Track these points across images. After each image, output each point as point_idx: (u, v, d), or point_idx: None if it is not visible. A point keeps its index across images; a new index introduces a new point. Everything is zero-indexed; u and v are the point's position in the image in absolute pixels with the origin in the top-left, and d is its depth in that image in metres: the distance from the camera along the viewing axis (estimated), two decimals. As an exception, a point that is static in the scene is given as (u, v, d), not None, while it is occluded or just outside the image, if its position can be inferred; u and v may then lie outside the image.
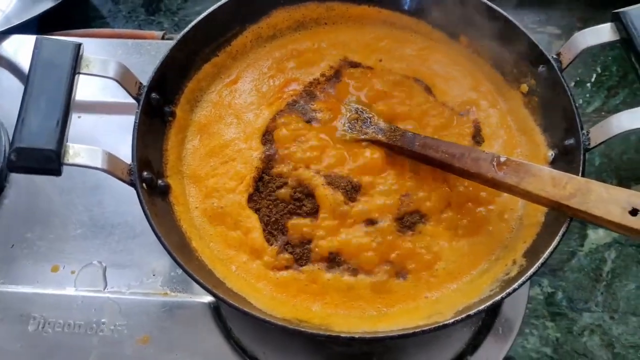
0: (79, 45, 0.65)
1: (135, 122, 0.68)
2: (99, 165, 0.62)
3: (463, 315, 0.58)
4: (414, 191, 0.71)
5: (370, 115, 0.76)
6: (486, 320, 0.75)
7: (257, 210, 0.72)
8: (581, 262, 0.92)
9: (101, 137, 0.91)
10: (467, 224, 0.70)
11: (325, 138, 0.75)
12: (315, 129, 0.76)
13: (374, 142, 0.74)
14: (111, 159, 0.63)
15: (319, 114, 0.77)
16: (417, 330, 0.58)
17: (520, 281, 0.59)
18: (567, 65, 0.71)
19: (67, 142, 0.61)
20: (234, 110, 0.79)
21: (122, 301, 0.77)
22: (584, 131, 0.67)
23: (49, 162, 0.59)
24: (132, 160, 0.66)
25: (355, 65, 0.82)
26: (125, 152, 0.67)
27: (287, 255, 0.69)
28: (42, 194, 0.86)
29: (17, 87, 0.94)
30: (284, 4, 0.83)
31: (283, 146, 0.75)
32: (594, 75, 1.08)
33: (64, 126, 0.61)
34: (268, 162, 0.74)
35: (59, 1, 1.06)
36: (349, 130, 0.76)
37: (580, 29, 0.71)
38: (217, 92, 0.81)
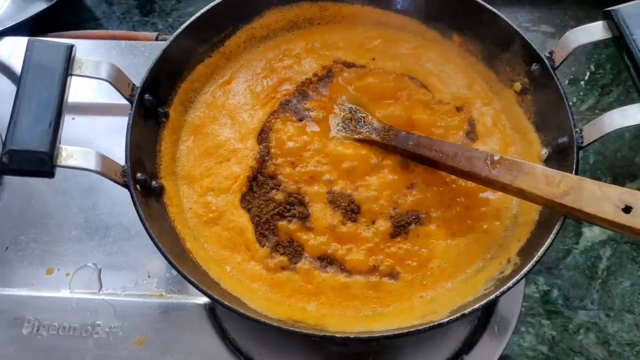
0: (71, 47, 0.65)
1: (128, 124, 0.68)
2: (92, 167, 0.62)
3: (458, 314, 0.58)
4: (408, 191, 0.71)
5: (364, 115, 0.77)
6: (482, 319, 0.75)
7: (248, 210, 0.72)
8: (576, 260, 0.93)
9: (95, 138, 0.90)
10: (462, 223, 0.70)
11: (319, 139, 0.75)
12: (309, 132, 0.76)
13: (368, 142, 0.74)
14: (104, 160, 0.63)
15: (312, 113, 0.77)
16: (412, 329, 0.58)
17: (514, 279, 0.59)
18: (560, 64, 0.71)
19: (60, 144, 0.61)
20: (227, 110, 0.79)
21: (117, 303, 0.77)
22: (577, 129, 0.67)
23: (41, 164, 0.59)
24: (126, 162, 0.66)
25: (348, 64, 0.82)
26: (119, 154, 0.67)
27: (279, 258, 0.68)
28: (36, 196, 0.86)
29: (9, 89, 0.94)
30: (277, 4, 0.83)
31: (277, 147, 0.75)
32: (588, 74, 1.08)
33: (57, 128, 0.61)
34: (262, 162, 0.74)
35: (52, 2, 1.05)
36: (343, 130, 0.76)
37: (573, 27, 0.71)
38: (211, 92, 0.81)
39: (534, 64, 0.73)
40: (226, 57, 0.83)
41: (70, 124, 0.90)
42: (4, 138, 0.82)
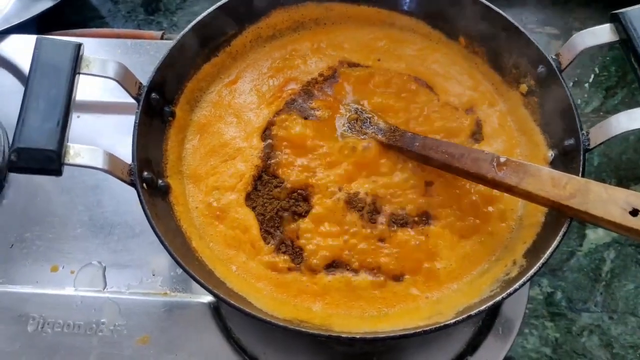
0: (79, 45, 0.65)
1: (135, 122, 0.68)
2: (100, 166, 0.62)
3: (464, 316, 0.58)
4: (416, 191, 0.71)
5: (370, 116, 0.77)
6: (486, 321, 0.75)
7: (253, 208, 0.72)
8: (580, 262, 0.93)
9: (100, 137, 0.90)
10: (468, 224, 0.70)
11: (325, 138, 0.75)
12: (315, 131, 0.76)
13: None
14: (112, 159, 0.63)
15: (318, 112, 0.77)
16: (418, 330, 0.58)
17: (521, 281, 0.59)
18: (567, 66, 0.71)
19: (67, 142, 0.61)
20: (233, 109, 0.79)
21: (121, 301, 0.77)
22: (584, 131, 0.67)
23: (49, 162, 0.59)
24: (133, 161, 0.66)
25: (354, 65, 0.82)
26: (124, 152, 0.67)
27: (284, 257, 0.68)
28: (41, 193, 0.86)
29: (16, 87, 0.94)
30: (283, 4, 0.83)
31: (283, 146, 0.75)
32: (592, 76, 1.08)
33: (65, 126, 0.61)
34: (267, 160, 0.74)
35: (57, 1, 1.05)
36: (348, 131, 0.76)
37: (578, 29, 0.71)
38: (217, 92, 0.81)
39: (541, 66, 0.73)
40: (232, 57, 0.83)
41: (76, 122, 0.90)
42: (9, 135, 0.82)
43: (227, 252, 0.70)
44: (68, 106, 0.62)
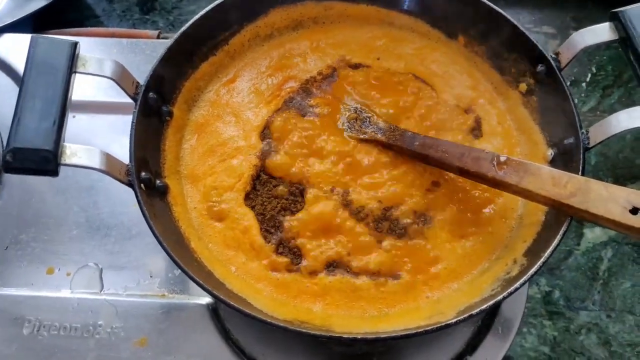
0: (75, 44, 0.64)
1: (132, 122, 0.68)
2: (97, 166, 0.61)
3: (465, 315, 0.58)
4: (416, 193, 0.71)
5: (370, 115, 0.76)
6: (486, 320, 0.75)
7: (252, 208, 0.71)
8: (578, 261, 0.93)
9: (96, 137, 0.90)
10: (468, 223, 0.70)
11: (325, 136, 0.75)
12: (314, 129, 0.76)
13: (373, 142, 0.74)
14: (109, 159, 0.62)
15: (317, 109, 0.77)
16: (419, 330, 0.57)
17: (521, 280, 0.59)
18: (566, 65, 0.71)
19: (64, 142, 0.60)
20: (232, 109, 0.79)
21: (118, 303, 0.76)
22: (584, 130, 0.67)
23: (46, 162, 0.58)
24: (130, 161, 0.65)
25: (353, 64, 0.82)
26: (120, 152, 0.66)
27: (283, 257, 0.68)
28: (37, 195, 0.85)
29: (10, 86, 0.93)
30: (281, 3, 0.83)
31: (282, 144, 0.74)
32: (589, 75, 1.08)
33: (61, 126, 0.60)
34: (266, 159, 0.74)
35: (52, 0, 1.05)
36: (348, 130, 0.76)
37: (575, 28, 0.71)
38: (215, 91, 0.80)
39: (540, 65, 0.73)
40: (230, 56, 0.82)
41: (72, 122, 0.89)
42: (4, 136, 0.81)
43: (227, 253, 0.69)
44: (64, 106, 0.61)
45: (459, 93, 0.79)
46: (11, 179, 0.86)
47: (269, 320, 0.58)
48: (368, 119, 0.76)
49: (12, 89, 0.92)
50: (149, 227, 0.62)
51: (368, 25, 0.85)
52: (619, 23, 0.66)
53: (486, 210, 0.70)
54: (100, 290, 0.78)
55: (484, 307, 0.58)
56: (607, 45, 0.70)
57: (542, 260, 0.60)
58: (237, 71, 0.82)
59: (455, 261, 0.68)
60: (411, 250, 0.68)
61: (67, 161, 0.60)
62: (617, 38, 0.67)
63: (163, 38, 1.01)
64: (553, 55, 0.72)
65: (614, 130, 0.64)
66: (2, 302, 0.76)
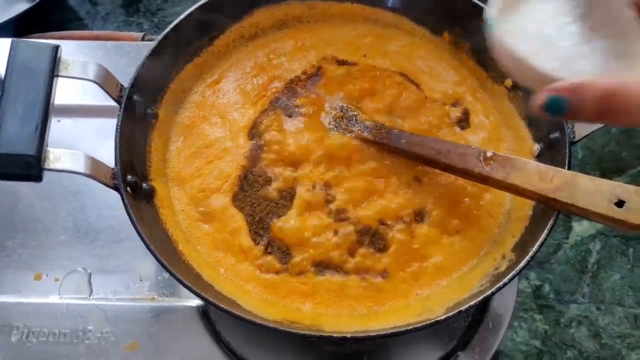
0: (56, 48, 0.63)
1: (117, 125, 0.67)
2: (82, 170, 0.60)
3: (454, 311, 0.58)
4: (403, 191, 0.71)
5: (356, 113, 0.76)
6: (476, 316, 0.75)
7: (241, 209, 0.71)
8: (567, 255, 0.93)
9: (81, 141, 0.89)
10: (456, 220, 0.70)
11: (311, 135, 0.75)
12: (300, 129, 0.75)
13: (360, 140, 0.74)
14: (94, 163, 0.62)
15: (302, 109, 0.77)
16: (409, 327, 0.57)
17: (510, 275, 0.59)
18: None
19: (47, 146, 0.60)
20: (217, 110, 0.78)
21: (108, 308, 0.76)
22: (569, 124, 0.67)
23: (29, 168, 0.58)
24: (115, 164, 0.65)
25: (339, 62, 0.82)
26: (106, 156, 0.65)
27: (272, 258, 0.68)
28: (23, 200, 0.84)
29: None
30: (265, 2, 0.82)
31: (268, 144, 0.74)
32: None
33: (44, 131, 0.59)
34: (253, 160, 0.73)
35: (34, 3, 1.04)
36: (335, 129, 0.75)
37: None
38: (200, 92, 0.80)
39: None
40: (215, 57, 0.82)
41: (56, 127, 0.88)
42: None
43: (215, 255, 0.69)
44: (47, 110, 0.60)
45: (445, 89, 0.79)
46: (-4, 185, 0.85)
47: (258, 322, 0.58)
48: (354, 117, 0.76)
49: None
50: (136, 230, 0.62)
51: (353, 23, 0.84)
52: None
53: (474, 206, 0.70)
54: (89, 295, 0.78)
55: (472, 303, 0.58)
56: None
57: (530, 255, 0.60)
58: (222, 72, 0.81)
59: (444, 258, 0.68)
60: (400, 248, 0.68)
61: (51, 166, 0.59)
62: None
63: (148, 40, 1.00)
64: (539, 50, 0.72)
65: (599, 124, 0.65)
66: (-10, 309, 0.75)
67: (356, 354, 0.73)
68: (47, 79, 0.61)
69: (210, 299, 0.59)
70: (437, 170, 0.71)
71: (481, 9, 0.76)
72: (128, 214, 0.62)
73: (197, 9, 0.77)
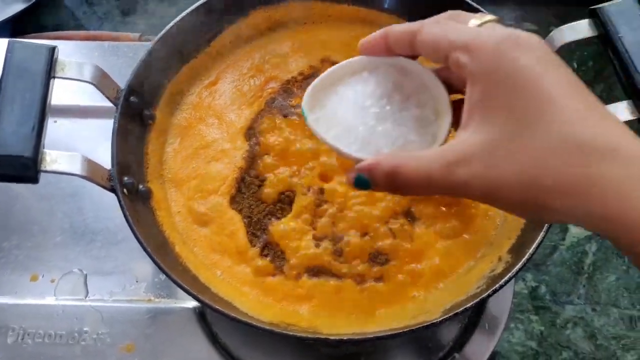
0: (53, 48, 0.63)
1: (114, 127, 0.67)
2: (78, 172, 0.60)
3: (451, 314, 0.58)
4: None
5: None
6: (473, 317, 0.75)
7: (239, 211, 0.71)
8: (563, 256, 0.94)
9: (78, 142, 0.89)
10: (453, 222, 0.70)
11: (306, 136, 0.74)
12: (296, 130, 0.75)
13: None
14: (90, 164, 0.62)
15: (298, 109, 0.77)
16: (406, 329, 0.58)
17: (506, 277, 0.59)
18: (547, 62, 0.71)
19: (43, 148, 0.60)
20: (214, 111, 0.78)
21: (104, 309, 0.76)
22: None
23: (25, 169, 0.58)
24: (112, 166, 0.65)
25: (335, 63, 0.81)
26: (103, 157, 0.65)
27: (268, 260, 0.67)
28: (19, 201, 0.84)
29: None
30: (262, 4, 0.82)
31: (265, 145, 0.74)
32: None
33: (40, 132, 0.59)
34: (250, 161, 0.73)
35: (30, 3, 1.03)
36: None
37: (556, 25, 0.71)
38: (197, 93, 0.80)
39: (521, 62, 0.73)
40: (212, 58, 0.82)
41: (53, 127, 0.89)
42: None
43: (212, 257, 0.69)
44: (43, 111, 0.60)
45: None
46: (-8, 186, 0.84)
47: (254, 324, 0.58)
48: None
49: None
50: (132, 232, 0.62)
51: (350, 25, 0.84)
52: (598, 20, 0.66)
53: (470, 208, 0.71)
54: (86, 297, 0.78)
55: (469, 305, 0.58)
56: (587, 41, 0.71)
57: (526, 257, 0.60)
58: (219, 73, 0.81)
59: (440, 260, 0.68)
60: (397, 250, 0.68)
61: (48, 168, 0.59)
62: (596, 34, 0.68)
63: (145, 40, 1.00)
64: (534, 53, 0.72)
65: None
66: (-15, 311, 0.75)
67: (353, 356, 0.73)
68: (43, 80, 0.61)
69: (207, 301, 0.59)
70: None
71: (477, 11, 0.76)
72: (125, 215, 0.62)
73: (194, 10, 0.76)
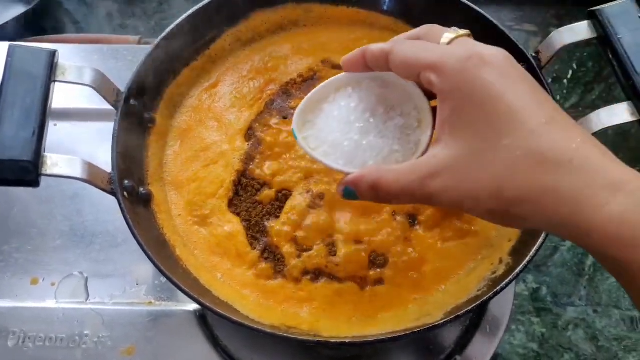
0: (53, 53, 0.63)
1: (114, 130, 0.67)
2: (79, 175, 0.60)
3: (452, 316, 0.58)
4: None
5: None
6: (474, 319, 0.75)
7: (238, 214, 0.71)
8: (564, 257, 0.94)
9: (79, 145, 0.89)
10: (454, 225, 0.70)
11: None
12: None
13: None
14: (91, 168, 0.62)
15: None
16: (407, 332, 0.57)
17: (507, 280, 0.59)
18: (547, 63, 0.71)
19: (44, 152, 0.60)
20: (214, 114, 0.78)
21: (105, 312, 0.76)
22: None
23: (26, 173, 0.58)
24: (113, 169, 0.65)
25: (335, 66, 0.82)
26: (104, 160, 0.65)
27: (268, 263, 0.67)
28: (19, 204, 0.84)
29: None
30: (262, 6, 0.82)
31: (263, 148, 0.74)
32: (571, 72, 1.09)
33: (41, 136, 0.59)
34: (248, 163, 0.73)
35: (31, 6, 1.03)
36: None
37: (556, 26, 0.71)
38: (197, 96, 0.80)
39: (521, 63, 0.73)
40: (212, 61, 0.82)
41: (53, 131, 0.88)
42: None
43: (212, 260, 0.69)
44: (44, 115, 0.60)
45: (441, 93, 0.79)
46: (-8, 189, 0.85)
47: (255, 327, 0.58)
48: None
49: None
50: (133, 235, 0.62)
51: (349, 27, 0.84)
52: (597, 21, 0.67)
53: (471, 210, 0.70)
54: (86, 300, 0.78)
55: (470, 307, 0.58)
56: (587, 42, 0.71)
57: (527, 259, 0.60)
58: (219, 76, 0.81)
59: (441, 263, 0.68)
60: (398, 253, 0.68)
61: (48, 171, 0.59)
62: (595, 36, 0.68)
63: (145, 43, 1.00)
64: (533, 55, 0.72)
65: (595, 128, 0.65)
66: (-14, 314, 0.75)
67: (355, 358, 0.73)
68: (44, 84, 0.61)
69: (208, 304, 0.59)
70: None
71: (473, 12, 0.76)
72: (125, 219, 0.62)
73: (193, 12, 0.76)
